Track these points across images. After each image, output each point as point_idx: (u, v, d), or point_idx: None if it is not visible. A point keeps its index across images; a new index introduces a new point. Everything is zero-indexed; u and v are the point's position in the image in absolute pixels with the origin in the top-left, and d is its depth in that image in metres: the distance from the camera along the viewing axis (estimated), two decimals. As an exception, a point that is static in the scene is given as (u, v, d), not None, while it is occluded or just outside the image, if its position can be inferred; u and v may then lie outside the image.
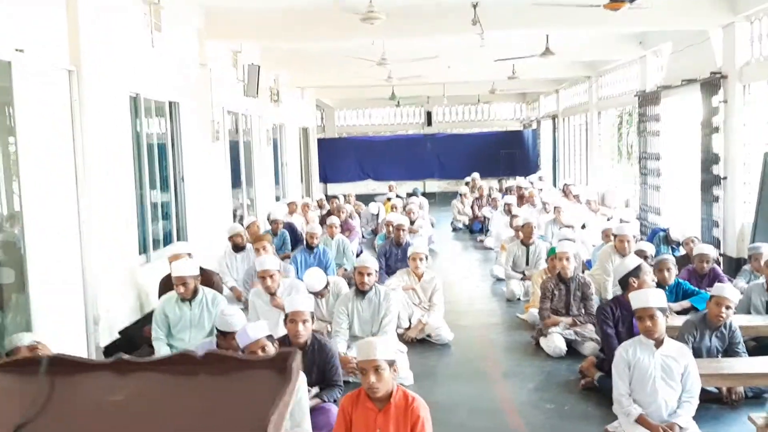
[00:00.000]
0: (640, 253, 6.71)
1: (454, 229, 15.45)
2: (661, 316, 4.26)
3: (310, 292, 6.71)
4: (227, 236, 8.60)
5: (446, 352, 6.62)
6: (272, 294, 6.08)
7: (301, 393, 4.11)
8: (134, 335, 6.47)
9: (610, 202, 14.10)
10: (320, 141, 22.13)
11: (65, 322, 5.58)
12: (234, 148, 11.02)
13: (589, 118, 16.57)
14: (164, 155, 8.00)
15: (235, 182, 11.05)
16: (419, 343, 6.78)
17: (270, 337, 4.21)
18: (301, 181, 17.95)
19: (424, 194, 19.30)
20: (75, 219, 5.75)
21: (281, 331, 5.89)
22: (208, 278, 6.77)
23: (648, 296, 4.32)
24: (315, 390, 4.70)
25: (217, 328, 4.76)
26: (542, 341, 6.43)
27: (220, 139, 9.57)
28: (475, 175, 17.50)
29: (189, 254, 6.77)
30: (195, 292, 5.88)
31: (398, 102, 21.07)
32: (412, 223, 11.56)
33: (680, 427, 4.15)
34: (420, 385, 5.64)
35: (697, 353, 4.79)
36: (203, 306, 5.89)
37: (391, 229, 9.57)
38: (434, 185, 23.54)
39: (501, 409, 5.12)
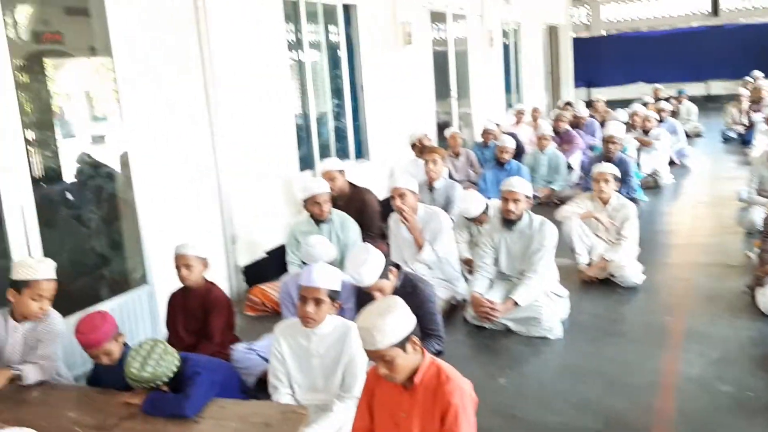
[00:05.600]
0: None
1: (726, 140, 12.90)
2: None
3: (466, 218, 5.86)
4: (410, 143, 8.02)
5: (627, 298, 5.30)
6: (404, 217, 5.29)
7: (353, 350, 3.38)
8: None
9: None
10: (581, 41, 20.00)
11: (205, 240, 5.45)
12: (440, 54, 10.12)
13: None
14: (337, 64, 7.48)
15: (443, 92, 10.21)
16: (600, 284, 5.55)
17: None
18: (547, 88, 16.40)
19: (708, 98, 16.38)
20: (208, 138, 5.50)
21: (418, 267, 5.16)
22: (358, 195, 6.23)
23: None
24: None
25: (301, 260, 4.18)
26: (758, 294, 4.80)
27: (414, 42, 8.74)
28: (757, 73, 14.32)
29: (341, 171, 6.26)
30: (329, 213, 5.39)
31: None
32: (646, 133, 9.74)
33: None
34: (567, 342, 4.56)
35: None
36: (331, 229, 5.37)
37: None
38: (719, 86, 20.07)
39: (655, 384, 3.84)
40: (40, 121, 5.60)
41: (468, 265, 5.70)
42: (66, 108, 6.04)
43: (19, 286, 3.47)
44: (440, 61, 10.04)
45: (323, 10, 7.12)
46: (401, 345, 2.57)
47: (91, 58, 5.38)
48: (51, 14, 5.40)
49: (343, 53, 7.54)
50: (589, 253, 5.73)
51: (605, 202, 5.77)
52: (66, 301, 4.16)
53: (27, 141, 5.31)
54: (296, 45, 6.79)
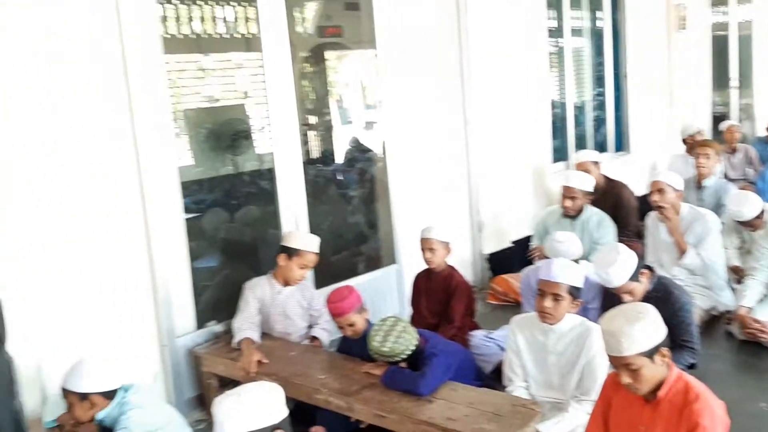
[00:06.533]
0: None
1: None
2: None
3: (738, 222, 5.27)
4: (681, 137, 7.42)
5: None
6: (665, 216, 4.88)
7: (593, 353, 3.22)
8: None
9: None
10: None
11: (452, 226, 5.59)
12: (719, 38, 9.17)
13: None
14: (600, 51, 7.16)
15: (721, 81, 9.26)
16: None
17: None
18: None
19: None
20: (461, 125, 5.60)
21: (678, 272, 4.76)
22: (614, 190, 5.90)
23: None
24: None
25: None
26: None
27: (688, 27, 8.03)
28: None
29: (595, 163, 5.97)
30: (581, 209, 5.18)
31: None
32: None
33: None
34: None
35: None
36: (584, 227, 5.15)
37: None
38: None
39: None
40: (320, 108, 6.14)
41: (736, 273, 5.13)
42: (344, 96, 6.56)
43: (292, 253, 3.88)
44: (719, 47, 9.12)
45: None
46: (649, 355, 2.40)
47: (364, 50, 5.75)
48: (332, 10, 5.86)
49: (607, 40, 7.19)
50: None
51: None
52: (326, 272, 4.55)
53: (308, 126, 5.88)
54: (557, 32, 6.62)
